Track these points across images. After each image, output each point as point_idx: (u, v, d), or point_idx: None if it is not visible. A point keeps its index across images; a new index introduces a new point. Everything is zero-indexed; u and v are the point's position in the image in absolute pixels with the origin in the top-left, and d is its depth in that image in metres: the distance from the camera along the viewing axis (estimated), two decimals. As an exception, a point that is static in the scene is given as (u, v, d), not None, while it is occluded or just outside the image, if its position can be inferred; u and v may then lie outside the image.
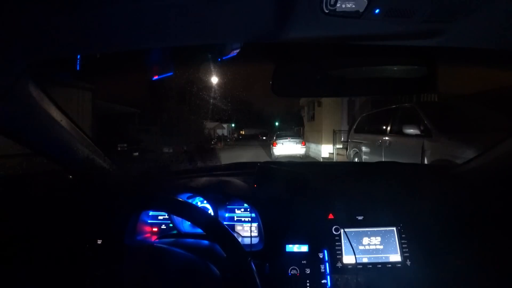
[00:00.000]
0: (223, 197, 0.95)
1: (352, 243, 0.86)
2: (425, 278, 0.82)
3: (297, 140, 10.24)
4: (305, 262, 0.85)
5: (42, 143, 0.75)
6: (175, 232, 0.95)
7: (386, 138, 4.20)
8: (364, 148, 5.09)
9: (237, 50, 0.72)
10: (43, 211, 0.94)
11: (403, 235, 0.87)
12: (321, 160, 10.16)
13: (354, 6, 0.41)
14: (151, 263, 0.64)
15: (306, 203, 0.92)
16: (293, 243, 0.87)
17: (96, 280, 0.73)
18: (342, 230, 0.88)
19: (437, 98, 5.68)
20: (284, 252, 0.87)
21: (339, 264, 0.85)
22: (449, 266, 0.83)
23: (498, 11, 0.44)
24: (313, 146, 12.23)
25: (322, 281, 0.82)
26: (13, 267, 0.83)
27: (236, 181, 1.02)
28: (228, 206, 1.00)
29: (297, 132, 15.34)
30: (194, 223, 0.71)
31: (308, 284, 0.82)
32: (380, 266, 0.85)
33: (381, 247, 0.87)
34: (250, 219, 0.98)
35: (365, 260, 0.86)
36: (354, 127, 5.77)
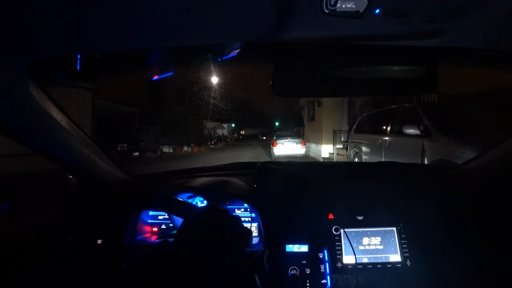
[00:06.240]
0: (223, 197, 0.95)
1: (352, 243, 0.86)
2: (425, 278, 0.82)
3: (297, 140, 10.25)
4: (305, 262, 0.85)
5: (42, 143, 0.75)
6: (175, 232, 0.95)
7: (386, 138, 4.20)
8: (364, 148, 5.09)
9: (237, 50, 0.72)
10: (43, 209, 0.94)
11: (403, 235, 0.87)
12: (321, 160, 10.16)
13: (354, 6, 0.41)
14: (151, 262, 0.64)
15: (306, 203, 0.92)
16: (293, 243, 0.87)
17: (97, 279, 0.73)
18: (342, 230, 0.88)
19: (437, 98, 5.68)
20: (284, 252, 0.87)
21: (339, 264, 0.85)
22: (449, 266, 0.83)
23: (498, 11, 0.44)
24: (313, 146, 12.23)
25: (322, 281, 0.82)
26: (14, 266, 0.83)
27: (236, 181, 1.02)
28: (228, 206, 1.00)
29: (297, 132, 15.34)
30: None
31: (308, 284, 0.82)
32: (380, 266, 0.85)
33: (381, 247, 0.87)
34: (250, 219, 0.98)
35: (365, 260, 0.86)
36: (354, 127, 5.77)
